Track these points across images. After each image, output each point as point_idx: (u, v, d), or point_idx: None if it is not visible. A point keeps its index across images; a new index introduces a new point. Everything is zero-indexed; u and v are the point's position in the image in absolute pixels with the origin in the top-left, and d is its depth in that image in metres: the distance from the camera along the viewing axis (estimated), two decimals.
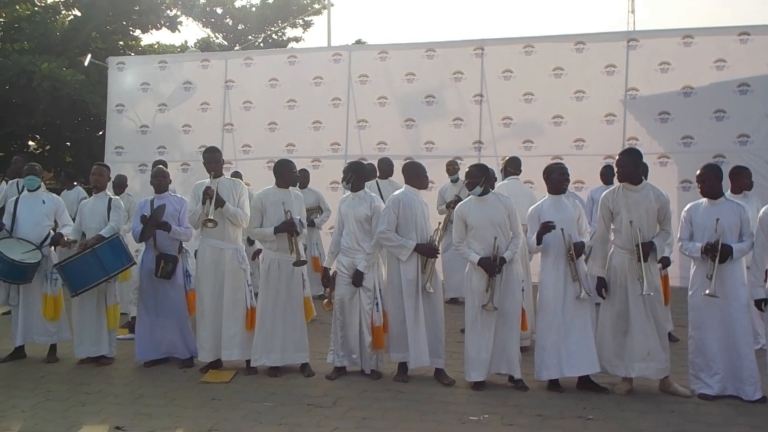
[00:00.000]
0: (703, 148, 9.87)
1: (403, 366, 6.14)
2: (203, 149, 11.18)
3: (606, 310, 5.73)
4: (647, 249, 5.45)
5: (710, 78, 10.03)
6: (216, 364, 6.53)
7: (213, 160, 6.51)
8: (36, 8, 16.84)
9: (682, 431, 4.91)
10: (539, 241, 5.72)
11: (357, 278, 6.10)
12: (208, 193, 6.17)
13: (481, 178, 5.92)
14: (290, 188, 6.58)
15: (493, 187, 6.11)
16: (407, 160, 10.66)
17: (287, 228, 6.22)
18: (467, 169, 6.11)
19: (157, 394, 5.84)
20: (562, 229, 5.68)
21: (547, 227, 5.63)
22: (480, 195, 5.92)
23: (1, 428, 5.16)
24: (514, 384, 5.83)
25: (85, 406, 5.59)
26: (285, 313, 6.31)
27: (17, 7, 16.68)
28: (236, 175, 7.65)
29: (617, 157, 5.70)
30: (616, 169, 5.71)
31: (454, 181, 8.91)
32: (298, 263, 6.21)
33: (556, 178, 5.87)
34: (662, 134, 10.23)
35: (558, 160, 9.99)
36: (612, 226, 5.69)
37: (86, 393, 5.89)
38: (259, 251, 7.73)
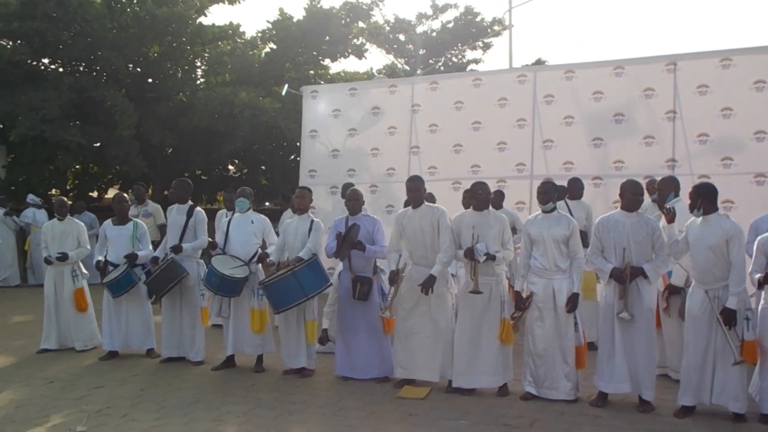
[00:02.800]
0: None
1: (603, 393, 6.01)
2: (390, 171, 11.81)
3: None
4: None
5: None
6: (409, 380, 6.74)
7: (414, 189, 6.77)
8: (237, 43, 18.18)
9: None
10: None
11: (573, 302, 6.05)
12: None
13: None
14: (491, 210, 6.62)
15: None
16: (595, 180, 10.67)
17: (467, 254, 6.29)
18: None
19: (357, 407, 6.09)
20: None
21: None
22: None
23: None
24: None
25: (292, 415, 5.93)
26: (482, 335, 6.37)
27: (219, 43, 18.12)
28: (430, 197, 7.82)
29: None
30: None
31: (654, 201, 8.60)
32: (473, 292, 6.24)
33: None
34: None
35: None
36: None
37: (292, 403, 6.26)
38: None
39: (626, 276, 5.76)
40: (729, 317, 5.44)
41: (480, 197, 6.48)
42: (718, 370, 5.55)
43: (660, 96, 10.54)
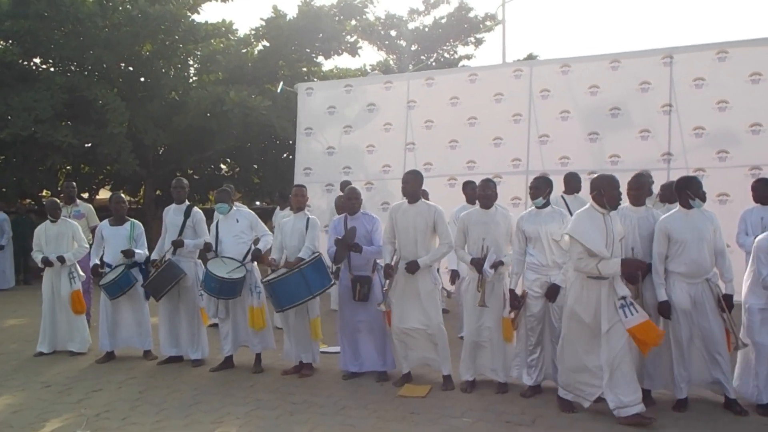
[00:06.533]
0: None
1: None
2: (386, 168, 11.77)
3: None
4: None
5: None
6: (408, 378, 6.72)
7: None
8: (230, 41, 18.09)
9: None
10: None
11: (552, 292, 6.04)
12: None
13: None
14: (498, 207, 6.57)
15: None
16: (591, 175, 10.60)
17: (476, 265, 6.27)
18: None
19: (359, 406, 6.05)
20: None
21: None
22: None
23: None
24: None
25: (293, 415, 5.89)
26: (489, 330, 6.36)
27: (212, 41, 18.03)
28: (424, 194, 7.76)
29: None
30: None
31: (648, 195, 8.59)
32: (479, 304, 6.23)
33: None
34: None
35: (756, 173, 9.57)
36: None
37: (293, 403, 6.21)
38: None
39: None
40: (730, 303, 5.53)
41: (488, 195, 6.42)
42: (713, 362, 5.58)
43: (656, 89, 10.52)
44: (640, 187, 5.93)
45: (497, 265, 6.25)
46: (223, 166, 21.43)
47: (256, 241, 7.65)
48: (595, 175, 5.55)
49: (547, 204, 6.29)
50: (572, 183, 8.60)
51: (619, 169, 10.15)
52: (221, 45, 18.02)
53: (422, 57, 26.11)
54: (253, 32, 18.19)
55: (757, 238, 5.73)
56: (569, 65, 11.17)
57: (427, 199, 7.07)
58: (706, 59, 10.24)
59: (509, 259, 6.33)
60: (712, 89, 10.15)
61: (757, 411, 5.53)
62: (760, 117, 9.82)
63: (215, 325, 7.90)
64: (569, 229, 5.45)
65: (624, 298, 5.20)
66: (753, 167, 9.69)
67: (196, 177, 19.99)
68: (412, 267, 6.43)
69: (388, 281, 6.58)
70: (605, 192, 5.39)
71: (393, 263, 6.58)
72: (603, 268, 5.22)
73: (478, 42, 26.78)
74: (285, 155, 19.38)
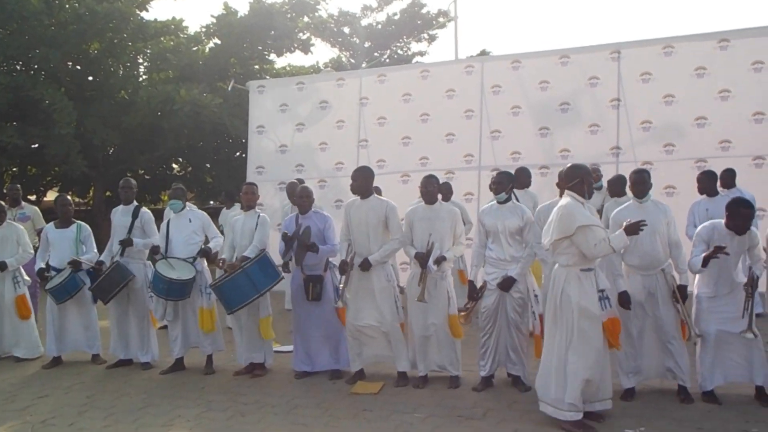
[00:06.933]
0: None
1: None
2: (339, 166, 11.75)
3: None
4: None
5: None
6: (361, 375, 6.70)
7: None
8: (180, 39, 17.86)
9: None
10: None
11: (507, 284, 6.07)
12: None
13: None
14: (443, 203, 6.60)
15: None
16: (543, 170, 10.73)
17: (420, 260, 6.27)
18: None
19: (311, 405, 6.01)
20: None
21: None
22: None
23: None
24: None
25: (244, 416, 5.82)
26: (434, 328, 6.36)
27: (162, 39, 17.78)
28: (376, 191, 7.73)
29: None
30: None
31: (598, 188, 8.68)
32: (419, 299, 6.22)
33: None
34: None
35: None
36: None
37: (244, 404, 6.14)
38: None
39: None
40: (684, 294, 5.63)
41: (430, 192, 6.45)
42: (666, 351, 5.69)
43: (604, 84, 10.69)
44: (644, 181, 5.89)
45: (440, 260, 6.25)
46: (175, 165, 21.18)
47: (206, 242, 7.56)
48: (569, 165, 5.40)
49: (508, 199, 6.31)
50: (522, 178, 8.64)
51: (570, 163, 10.24)
52: (171, 43, 17.78)
53: (376, 54, 26.08)
54: (203, 30, 18.03)
55: (698, 227, 5.84)
56: (520, 61, 11.27)
57: (380, 195, 7.07)
58: (652, 54, 10.44)
59: (452, 255, 6.37)
60: (658, 83, 10.34)
61: (702, 398, 5.63)
62: (705, 110, 10.04)
63: (166, 327, 7.78)
64: (579, 222, 5.04)
65: (603, 291, 5.21)
66: (698, 160, 9.92)
67: (147, 177, 19.73)
68: (365, 265, 6.42)
69: (344, 278, 6.54)
70: (586, 180, 5.24)
71: (348, 260, 6.54)
72: (615, 242, 5.12)
73: (432, 38, 26.83)
74: (238, 154, 19.24)
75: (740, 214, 5.42)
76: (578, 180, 5.20)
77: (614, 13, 54.39)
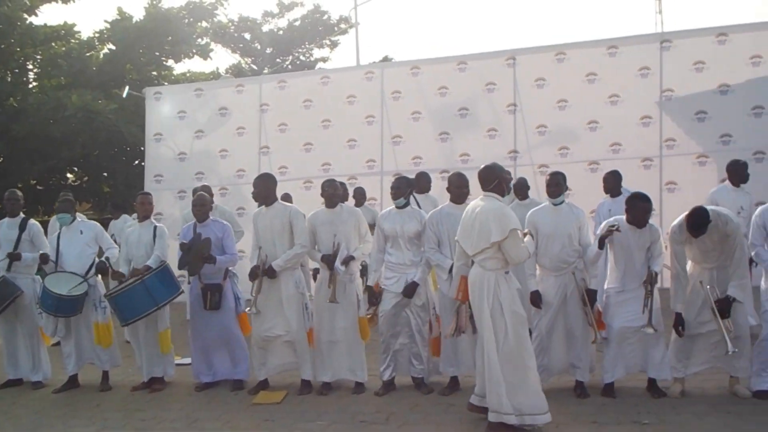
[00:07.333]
0: (742, 146, 9.68)
1: (454, 380, 6.16)
2: (240, 173, 11.58)
3: None
4: None
5: (747, 75, 9.86)
6: (265, 385, 6.60)
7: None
8: (72, 44, 17.21)
9: None
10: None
11: (410, 290, 6.10)
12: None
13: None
14: (344, 206, 6.61)
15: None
16: (443, 174, 10.86)
17: (327, 262, 6.28)
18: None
19: (212, 418, 5.89)
20: None
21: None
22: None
23: None
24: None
25: None
26: (343, 331, 6.36)
27: (53, 44, 17.09)
28: (286, 197, 7.73)
29: None
30: None
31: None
32: (330, 300, 6.21)
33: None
34: (700, 134, 10.08)
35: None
36: None
37: (142, 419, 5.96)
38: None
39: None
40: (593, 297, 5.78)
41: (327, 194, 6.44)
42: (571, 348, 5.86)
43: (501, 90, 10.93)
44: (557, 183, 5.99)
45: (348, 260, 6.27)
46: (70, 175, 20.34)
47: (100, 254, 7.28)
48: (482, 167, 5.31)
49: (407, 204, 6.35)
50: (423, 182, 8.74)
51: (470, 167, 10.37)
52: (63, 48, 17.09)
53: (278, 60, 25.89)
54: (97, 35, 17.40)
55: (602, 224, 6.02)
56: (419, 67, 11.41)
57: (290, 201, 7.01)
58: (545, 60, 10.75)
59: (359, 254, 6.40)
60: (552, 89, 10.66)
61: (601, 392, 5.80)
62: (596, 114, 10.41)
63: (59, 344, 7.44)
64: (513, 224, 4.98)
65: (518, 290, 5.27)
66: (591, 162, 10.28)
67: (40, 188, 18.87)
68: (270, 272, 6.34)
69: (256, 283, 6.41)
70: (503, 180, 5.25)
71: (259, 264, 6.42)
72: (530, 246, 5.26)
73: (334, 44, 26.87)
74: (137, 162, 18.65)
75: (638, 208, 5.63)
76: (497, 181, 5.19)
77: (509, 20, 55.86)
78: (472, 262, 5.20)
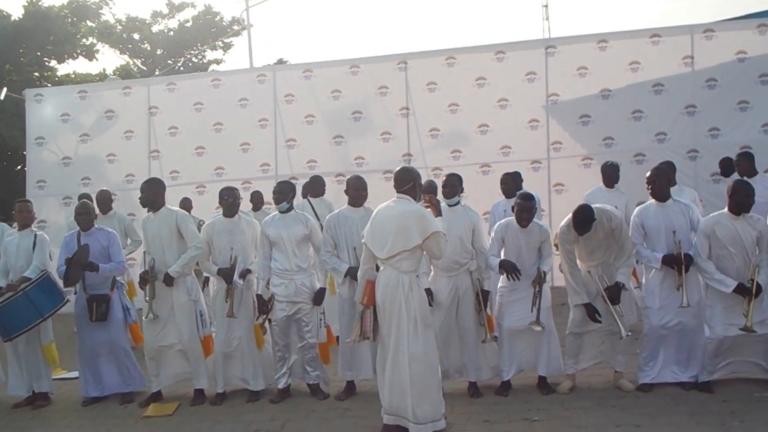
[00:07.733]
0: (623, 148, 10.12)
1: (350, 384, 6.17)
2: (129, 178, 11.22)
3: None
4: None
5: (626, 80, 10.30)
6: (158, 397, 6.41)
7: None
8: None
9: (625, 424, 5.04)
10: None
11: (320, 297, 6.14)
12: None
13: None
14: (242, 215, 6.52)
15: None
16: (339, 177, 10.88)
17: (224, 275, 6.19)
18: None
19: None
20: None
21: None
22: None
23: None
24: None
25: None
26: (239, 339, 6.29)
27: None
28: (185, 202, 7.45)
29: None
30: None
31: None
32: (227, 315, 6.13)
33: None
34: (584, 137, 10.47)
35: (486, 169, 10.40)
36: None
37: None
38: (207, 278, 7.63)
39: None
40: (486, 298, 5.90)
41: (227, 203, 6.35)
42: (464, 348, 5.95)
43: (394, 93, 11.02)
44: (452, 184, 6.06)
45: (245, 273, 6.20)
46: None
47: None
48: (397, 169, 5.23)
49: (290, 209, 6.31)
50: (317, 186, 8.71)
51: (365, 170, 10.50)
52: None
53: (170, 61, 25.27)
54: None
55: (495, 225, 6.17)
56: (311, 70, 11.37)
57: (191, 207, 6.81)
58: (436, 65, 10.91)
59: (256, 266, 6.30)
60: (443, 93, 10.83)
61: (495, 391, 5.94)
62: (486, 118, 10.64)
63: None
64: (435, 226, 4.93)
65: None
66: (483, 164, 10.51)
67: None
68: (167, 279, 6.16)
69: (147, 288, 6.21)
70: (417, 182, 5.15)
71: (148, 269, 6.23)
72: None
73: (227, 46, 26.47)
74: (19, 167, 17.80)
75: (521, 207, 5.81)
76: (411, 183, 5.10)
77: (401, 23, 56.58)
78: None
